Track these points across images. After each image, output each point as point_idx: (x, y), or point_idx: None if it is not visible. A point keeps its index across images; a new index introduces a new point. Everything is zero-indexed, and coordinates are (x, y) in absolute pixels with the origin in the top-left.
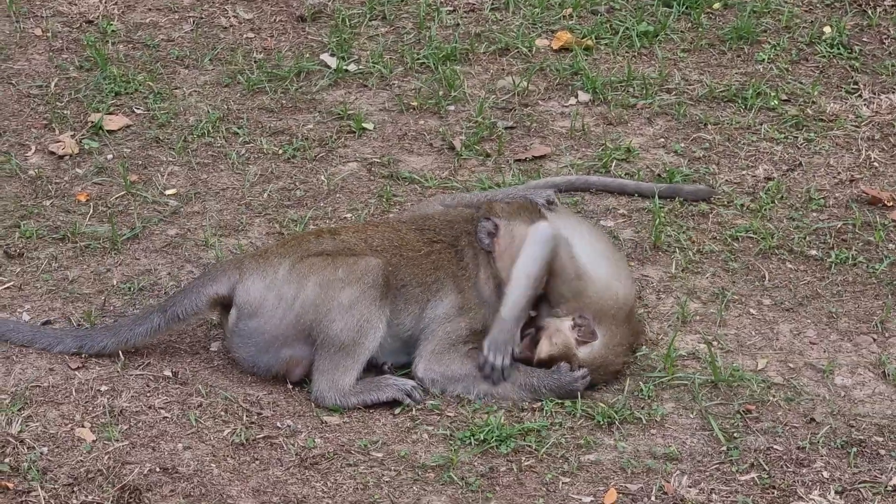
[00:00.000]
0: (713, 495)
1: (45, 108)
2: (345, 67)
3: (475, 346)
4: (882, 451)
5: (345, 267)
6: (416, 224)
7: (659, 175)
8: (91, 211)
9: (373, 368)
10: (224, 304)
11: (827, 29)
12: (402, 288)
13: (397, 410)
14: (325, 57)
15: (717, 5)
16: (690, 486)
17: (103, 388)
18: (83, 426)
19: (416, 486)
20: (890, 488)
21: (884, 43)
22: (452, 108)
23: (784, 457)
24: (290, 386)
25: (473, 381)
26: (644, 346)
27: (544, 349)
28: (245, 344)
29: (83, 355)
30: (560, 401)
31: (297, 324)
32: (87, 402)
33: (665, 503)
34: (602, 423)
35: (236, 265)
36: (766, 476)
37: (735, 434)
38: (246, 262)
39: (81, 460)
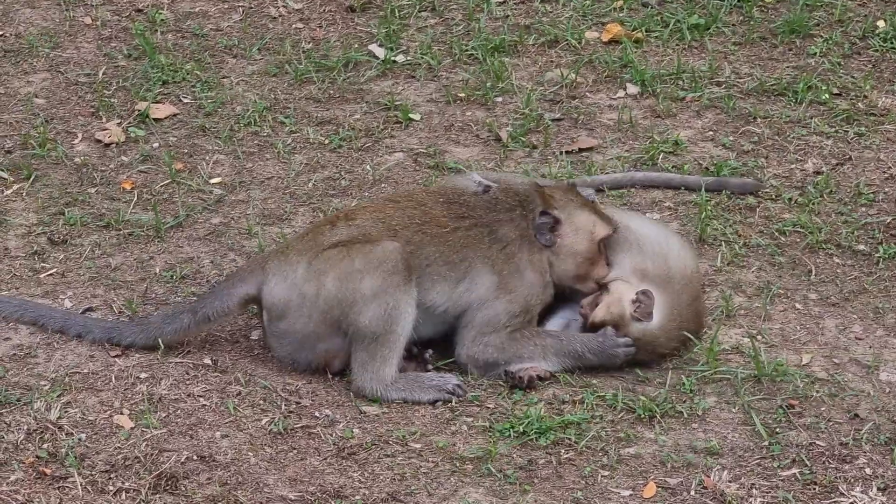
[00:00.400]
0: (753, 490)
1: (93, 97)
2: (393, 58)
3: (515, 328)
4: None
5: (361, 256)
6: (446, 197)
7: (707, 168)
8: (135, 199)
9: (413, 359)
10: (258, 302)
11: (881, 23)
12: (427, 267)
13: (438, 404)
14: (373, 47)
15: None
16: (731, 481)
17: (143, 375)
18: (122, 413)
19: (454, 478)
20: None
21: None
22: (500, 99)
23: (826, 452)
24: (329, 376)
25: (516, 361)
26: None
27: (599, 314)
28: (281, 344)
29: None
30: (602, 370)
31: (325, 320)
32: (126, 389)
33: (705, 498)
34: (643, 416)
35: (261, 265)
36: (808, 472)
37: (777, 429)
38: (269, 262)
39: (119, 447)
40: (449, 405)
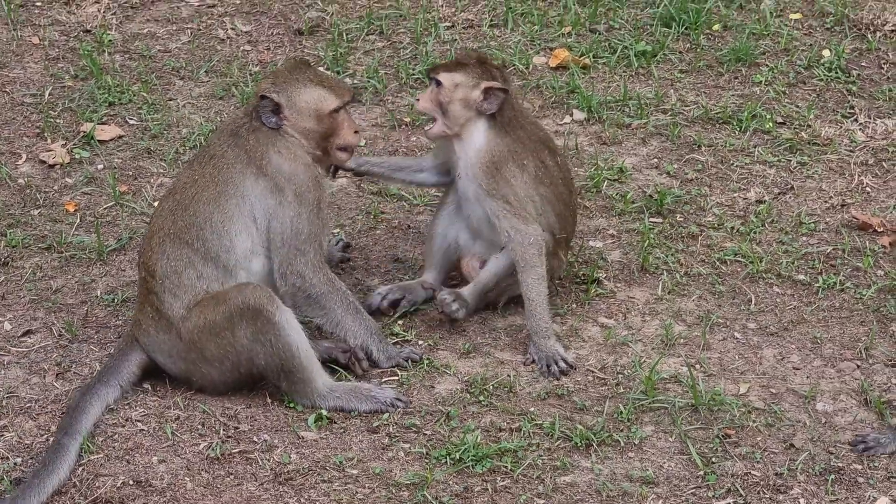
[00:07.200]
0: None
1: (38, 117)
2: None
3: (321, 251)
4: (860, 479)
5: (220, 313)
6: (194, 162)
7: (650, 196)
8: (78, 221)
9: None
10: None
11: (826, 53)
12: (208, 218)
13: (375, 421)
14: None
15: (716, 27)
16: None
17: None
18: None
19: None
20: None
21: (882, 68)
22: None
23: (761, 482)
24: (269, 400)
25: (327, 308)
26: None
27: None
28: (210, 391)
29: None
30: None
31: (227, 370)
32: (63, 413)
33: None
34: (580, 444)
35: (134, 339)
36: (742, 501)
37: (713, 459)
38: (140, 340)
39: None
40: (386, 431)
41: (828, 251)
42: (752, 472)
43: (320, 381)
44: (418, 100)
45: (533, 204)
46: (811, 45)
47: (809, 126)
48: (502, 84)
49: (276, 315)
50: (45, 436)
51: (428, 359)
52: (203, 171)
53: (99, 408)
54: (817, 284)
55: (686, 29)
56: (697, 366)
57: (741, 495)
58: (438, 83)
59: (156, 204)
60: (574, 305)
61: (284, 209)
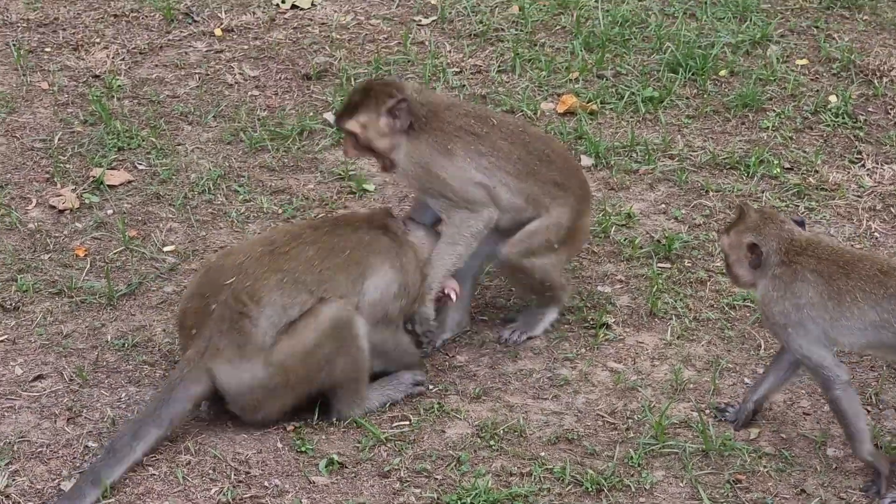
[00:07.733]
0: None
1: (48, 162)
2: None
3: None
4: None
5: (309, 332)
6: (338, 228)
7: (658, 241)
8: (88, 266)
9: None
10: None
11: (833, 98)
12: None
13: (386, 468)
14: (328, 116)
15: (723, 72)
16: None
17: (92, 443)
18: (70, 482)
19: None
20: None
21: (889, 113)
22: None
23: None
24: (279, 445)
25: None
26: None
27: None
28: (271, 417)
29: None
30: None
31: (301, 392)
32: (74, 457)
33: None
34: (590, 489)
35: (203, 370)
36: None
37: None
38: (213, 367)
39: None
40: (398, 476)
41: None
42: None
43: (366, 386)
44: (346, 152)
45: (475, 185)
46: (818, 90)
47: (817, 171)
48: (398, 95)
49: (358, 325)
50: (56, 480)
51: (438, 403)
52: (352, 251)
53: (140, 454)
54: None
55: (693, 75)
56: (707, 411)
57: None
58: (350, 132)
59: (268, 231)
60: (583, 350)
61: (397, 299)
